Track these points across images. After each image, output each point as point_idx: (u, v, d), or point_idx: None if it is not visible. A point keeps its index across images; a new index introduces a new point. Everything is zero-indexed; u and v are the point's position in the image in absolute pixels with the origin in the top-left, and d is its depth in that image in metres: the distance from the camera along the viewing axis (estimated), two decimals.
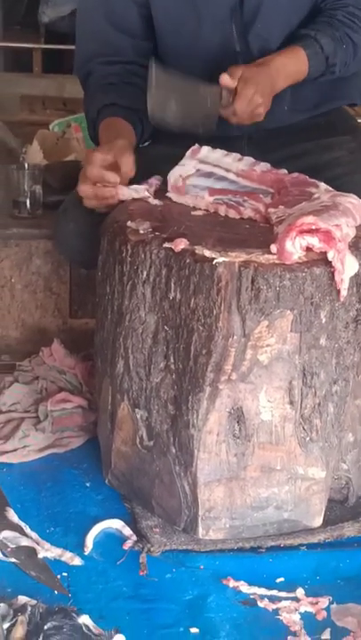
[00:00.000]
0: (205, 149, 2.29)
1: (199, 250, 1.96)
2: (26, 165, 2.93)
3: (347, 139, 2.61)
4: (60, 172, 3.05)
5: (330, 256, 1.94)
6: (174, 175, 2.25)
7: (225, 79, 2.30)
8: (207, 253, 1.95)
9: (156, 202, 2.22)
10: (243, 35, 2.51)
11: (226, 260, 1.93)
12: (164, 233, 2.04)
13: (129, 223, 2.09)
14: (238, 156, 2.32)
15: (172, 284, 1.99)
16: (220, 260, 1.93)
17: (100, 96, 2.47)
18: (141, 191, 2.23)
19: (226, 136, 2.46)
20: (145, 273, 2.02)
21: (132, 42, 2.52)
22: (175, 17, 2.50)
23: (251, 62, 2.43)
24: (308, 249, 1.95)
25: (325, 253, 1.95)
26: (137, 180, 2.30)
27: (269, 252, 1.95)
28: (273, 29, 2.51)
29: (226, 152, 2.30)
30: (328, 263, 1.96)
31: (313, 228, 1.92)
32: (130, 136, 2.39)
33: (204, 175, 2.28)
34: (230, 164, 2.30)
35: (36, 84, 5.50)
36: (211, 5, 2.47)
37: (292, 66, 2.43)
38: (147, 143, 2.78)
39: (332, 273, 1.96)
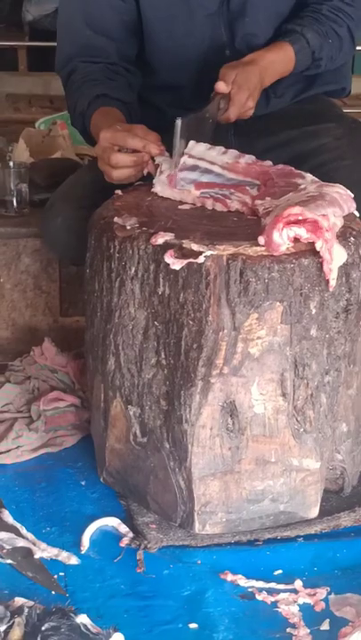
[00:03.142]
0: (190, 143, 2.28)
1: (187, 244, 1.95)
2: (11, 164, 2.92)
3: (332, 126, 2.61)
4: (46, 169, 3.05)
5: (318, 246, 1.93)
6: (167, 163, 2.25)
7: (221, 87, 2.32)
8: (195, 247, 1.94)
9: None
10: (230, 29, 2.51)
11: (214, 253, 1.93)
12: (152, 228, 2.03)
13: (116, 219, 2.08)
14: (222, 148, 2.31)
15: (161, 279, 1.98)
16: (208, 253, 1.92)
17: (88, 89, 2.46)
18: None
19: None
20: (133, 269, 2.02)
21: (112, 44, 2.51)
22: (165, 14, 2.49)
23: (239, 57, 2.43)
24: (296, 240, 1.94)
25: (313, 244, 1.94)
26: None
27: (257, 244, 1.94)
28: (260, 23, 2.51)
29: (209, 145, 2.30)
30: (316, 253, 1.95)
31: (300, 218, 1.91)
32: None
33: (189, 168, 2.27)
34: (215, 157, 2.29)
35: (22, 82, 5.47)
36: (201, 1, 2.47)
37: (280, 62, 2.44)
38: None
39: (321, 263, 1.95)
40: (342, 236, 2.00)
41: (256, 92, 2.38)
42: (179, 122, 2.21)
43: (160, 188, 2.22)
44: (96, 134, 2.31)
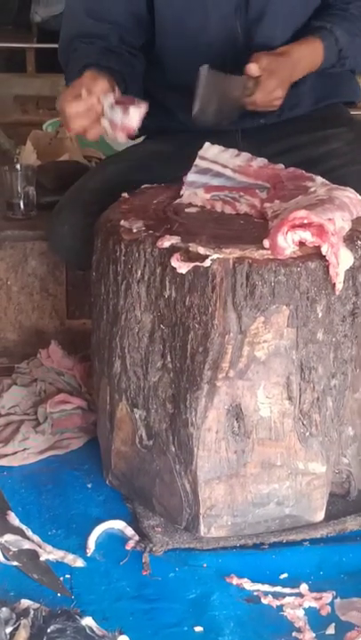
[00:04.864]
0: (206, 145, 2.29)
1: (193, 247, 1.95)
2: (18, 166, 2.92)
3: (343, 130, 2.60)
4: (53, 172, 3.04)
5: (324, 250, 1.93)
6: None
7: (253, 69, 2.30)
8: (201, 250, 1.94)
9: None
10: (247, 32, 2.49)
11: (220, 256, 1.93)
12: (158, 231, 2.03)
13: (122, 222, 2.08)
14: (236, 151, 2.32)
15: (167, 283, 1.98)
16: (215, 256, 1.92)
17: (83, 59, 2.40)
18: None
19: (221, 130, 2.46)
20: (139, 272, 2.02)
21: (116, 31, 2.47)
22: (179, 12, 2.47)
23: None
24: (302, 243, 1.94)
25: (320, 247, 1.94)
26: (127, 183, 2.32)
27: (264, 248, 1.94)
28: (278, 29, 2.50)
29: (223, 148, 2.30)
30: (323, 257, 1.95)
31: (305, 222, 1.91)
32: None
33: (201, 172, 2.27)
34: (228, 159, 2.29)
35: (30, 83, 5.48)
36: (217, 1, 2.46)
37: (309, 57, 2.44)
38: (140, 139, 2.78)
39: (327, 267, 1.95)
40: (349, 240, 2.00)
41: (286, 84, 2.37)
42: (204, 69, 2.24)
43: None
44: None
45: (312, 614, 1.89)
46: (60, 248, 2.59)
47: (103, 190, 2.39)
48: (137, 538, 2.09)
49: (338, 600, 1.92)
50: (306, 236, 1.92)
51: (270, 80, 2.31)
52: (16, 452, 2.38)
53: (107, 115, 2.17)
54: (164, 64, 2.54)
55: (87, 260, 2.21)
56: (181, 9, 2.47)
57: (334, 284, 1.96)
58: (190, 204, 2.21)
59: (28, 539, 2.07)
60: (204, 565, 2.03)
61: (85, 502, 2.23)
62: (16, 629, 1.72)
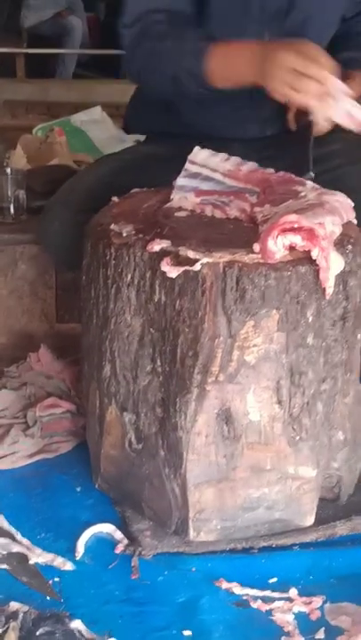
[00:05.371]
0: (196, 149, 2.29)
1: (183, 251, 1.95)
2: (8, 170, 2.92)
3: (342, 134, 2.61)
4: (43, 176, 3.05)
5: (314, 254, 1.93)
6: None
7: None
8: (191, 254, 1.94)
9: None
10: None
11: (210, 260, 1.93)
12: (148, 235, 2.03)
13: (112, 226, 2.08)
14: (225, 155, 2.31)
15: (157, 287, 1.98)
16: (205, 260, 1.93)
17: (187, 32, 2.34)
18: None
19: (222, 136, 2.45)
20: (129, 276, 2.02)
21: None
22: (225, 15, 2.44)
23: None
24: (292, 247, 1.94)
25: (310, 252, 1.94)
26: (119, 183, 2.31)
27: (254, 252, 1.95)
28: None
29: (213, 152, 2.30)
30: (313, 261, 1.95)
31: (295, 226, 1.92)
32: None
33: (191, 176, 2.27)
34: (217, 164, 2.29)
35: (20, 88, 5.49)
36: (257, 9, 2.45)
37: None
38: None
39: (318, 271, 1.95)
40: (340, 244, 2.00)
41: None
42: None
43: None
44: (240, 57, 2.26)
45: (302, 619, 1.89)
46: (50, 245, 2.58)
47: (95, 189, 2.39)
48: (126, 541, 2.09)
49: (328, 604, 1.92)
50: (296, 240, 1.92)
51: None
52: (5, 456, 2.38)
53: (337, 99, 2.14)
54: None
55: (77, 259, 2.21)
56: (226, 12, 2.43)
57: (325, 288, 1.96)
58: (180, 208, 2.20)
59: (17, 542, 2.07)
60: (194, 569, 2.02)
61: (74, 506, 2.23)
62: (5, 632, 1.72)
